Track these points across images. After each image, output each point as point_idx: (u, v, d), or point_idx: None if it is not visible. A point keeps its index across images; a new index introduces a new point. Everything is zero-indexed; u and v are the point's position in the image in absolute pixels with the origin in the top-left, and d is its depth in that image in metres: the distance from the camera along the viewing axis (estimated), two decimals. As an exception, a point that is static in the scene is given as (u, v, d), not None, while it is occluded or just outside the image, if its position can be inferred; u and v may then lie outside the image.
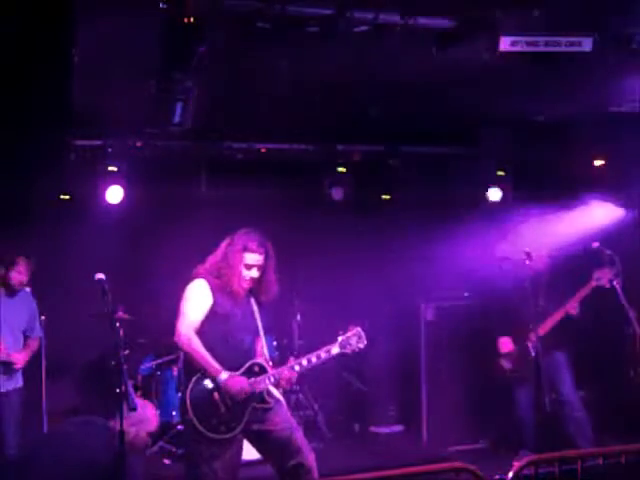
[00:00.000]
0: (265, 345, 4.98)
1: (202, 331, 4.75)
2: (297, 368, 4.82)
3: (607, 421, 6.62)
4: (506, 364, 6.72)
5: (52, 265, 7.22)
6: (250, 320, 4.90)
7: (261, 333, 4.94)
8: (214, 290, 4.80)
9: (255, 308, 4.94)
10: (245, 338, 4.86)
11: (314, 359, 4.83)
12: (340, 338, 4.88)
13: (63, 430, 4.67)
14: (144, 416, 4.65)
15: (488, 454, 7.34)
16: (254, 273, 4.85)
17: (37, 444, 4.62)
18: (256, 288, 4.92)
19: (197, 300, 4.80)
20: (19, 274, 6.17)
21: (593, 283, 6.38)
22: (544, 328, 6.39)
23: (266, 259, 4.87)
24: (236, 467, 4.83)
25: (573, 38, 5.30)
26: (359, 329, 4.91)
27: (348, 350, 4.87)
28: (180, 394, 4.84)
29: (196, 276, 4.88)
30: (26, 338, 6.34)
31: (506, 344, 6.73)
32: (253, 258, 4.83)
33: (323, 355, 4.83)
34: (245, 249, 4.83)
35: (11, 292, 6.23)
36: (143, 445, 4.63)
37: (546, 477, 4.48)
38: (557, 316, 6.51)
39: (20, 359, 6.18)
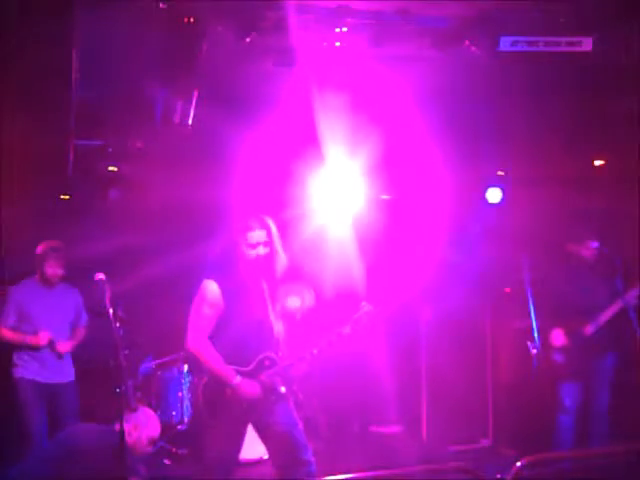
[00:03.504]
0: (277, 335, 4.86)
1: (214, 331, 4.69)
2: (308, 358, 4.75)
3: (611, 422, 6.60)
4: (558, 358, 6.33)
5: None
6: (262, 311, 4.82)
7: (273, 324, 4.84)
8: (225, 290, 4.71)
9: (266, 294, 4.86)
10: (257, 332, 4.77)
11: (325, 345, 4.77)
12: (353, 317, 4.81)
13: (68, 437, 4.67)
14: (147, 421, 4.65)
15: (488, 454, 7.34)
16: (261, 251, 4.75)
17: (42, 451, 4.61)
18: (266, 268, 4.80)
19: (208, 305, 4.70)
20: (52, 267, 6.27)
21: None
22: (597, 323, 6.21)
23: (269, 234, 4.78)
24: (236, 456, 4.84)
25: (573, 38, 5.31)
26: (371, 307, 4.83)
27: (359, 330, 4.78)
28: (191, 386, 4.82)
29: (206, 277, 4.77)
30: (74, 330, 6.47)
31: (558, 337, 6.33)
32: (256, 235, 4.75)
33: (334, 339, 4.77)
34: (245, 229, 4.75)
35: (49, 285, 6.34)
36: (143, 451, 4.62)
37: (546, 477, 4.48)
38: (612, 310, 6.22)
39: (63, 345, 6.28)
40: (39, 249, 6.30)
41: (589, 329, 6.24)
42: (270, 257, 4.80)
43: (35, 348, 6.16)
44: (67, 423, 6.06)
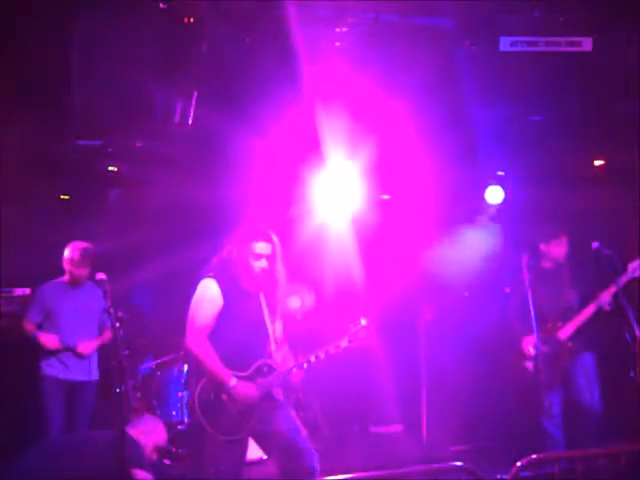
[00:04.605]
0: (274, 344, 4.89)
1: (212, 334, 4.68)
2: (305, 366, 4.78)
3: (607, 421, 6.60)
4: (530, 366, 6.18)
5: (52, 265, 7.21)
6: (260, 319, 4.83)
7: (270, 332, 4.86)
8: (225, 290, 4.71)
9: (264, 305, 4.87)
10: (255, 338, 4.79)
11: (322, 355, 4.78)
12: (350, 331, 4.84)
13: (68, 443, 4.65)
14: (154, 429, 4.63)
15: (488, 454, 7.34)
16: (264, 264, 4.76)
17: (41, 455, 4.60)
18: (265, 282, 4.83)
19: (207, 303, 4.71)
20: (79, 269, 6.32)
21: (629, 274, 6.05)
22: (572, 326, 6.18)
23: (274, 249, 4.80)
24: (241, 467, 4.82)
25: (573, 38, 5.32)
26: (367, 322, 4.87)
27: (356, 344, 4.82)
28: (187, 394, 4.82)
29: (206, 276, 4.78)
30: (101, 330, 6.48)
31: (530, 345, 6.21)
32: (261, 247, 4.76)
33: (332, 350, 4.79)
34: (252, 239, 4.76)
35: (76, 286, 6.39)
36: (148, 458, 4.59)
37: (546, 477, 4.48)
38: (587, 312, 6.16)
39: (85, 346, 6.29)
40: (68, 252, 6.35)
41: (563, 333, 6.20)
42: (271, 273, 4.81)
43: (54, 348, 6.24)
44: (79, 421, 6.21)
